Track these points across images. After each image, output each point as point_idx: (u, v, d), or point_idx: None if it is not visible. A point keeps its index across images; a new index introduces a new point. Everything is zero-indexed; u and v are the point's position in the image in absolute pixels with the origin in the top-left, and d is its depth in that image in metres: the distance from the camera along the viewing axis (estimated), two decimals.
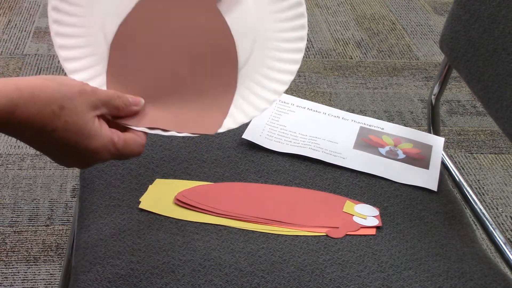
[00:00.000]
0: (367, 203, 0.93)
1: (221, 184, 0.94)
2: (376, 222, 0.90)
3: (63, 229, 1.62)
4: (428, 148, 1.05)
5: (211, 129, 0.75)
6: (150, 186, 0.93)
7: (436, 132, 1.18)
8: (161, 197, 0.91)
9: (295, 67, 0.79)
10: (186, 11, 0.79)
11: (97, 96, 0.69)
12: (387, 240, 0.88)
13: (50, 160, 1.83)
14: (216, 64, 0.78)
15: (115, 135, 0.70)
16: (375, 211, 0.92)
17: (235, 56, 0.79)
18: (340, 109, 2.11)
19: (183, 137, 1.00)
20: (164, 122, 0.75)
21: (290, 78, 0.78)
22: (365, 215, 0.91)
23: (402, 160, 1.02)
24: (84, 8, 0.78)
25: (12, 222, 1.63)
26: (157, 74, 0.77)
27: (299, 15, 0.81)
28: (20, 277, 1.49)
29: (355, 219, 0.90)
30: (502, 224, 1.75)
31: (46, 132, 0.64)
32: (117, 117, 0.72)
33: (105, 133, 0.68)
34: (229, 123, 0.76)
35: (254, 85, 0.79)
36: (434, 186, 0.99)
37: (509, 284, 0.86)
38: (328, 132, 1.06)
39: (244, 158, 0.99)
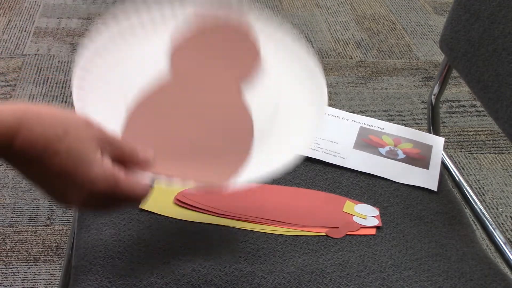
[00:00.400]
0: (367, 203, 0.93)
1: None
2: (376, 222, 0.90)
3: (63, 229, 1.62)
4: (428, 148, 1.05)
5: (218, 181, 0.75)
6: None
7: (436, 132, 1.18)
8: (161, 197, 0.91)
9: (311, 138, 0.79)
10: (208, 85, 0.81)
11: (103, 132, 0.68)
12: (387, 240, 0.88)
13: None
14: (232, 132, 0.79)
15: (117, 169, 0.67)
16: (375, 211, 0.92)
17: (251, 127, 0.80)
18: (340, 109, 2.11)
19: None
20: (171, 172, 0.74)
21: (306, 144, 0.80)
22: (365, 215, 0.91)
23: (402, 160, 1.02)
24: (106, 77, 0.81)
25: (12, 222, 1.63)
26: (171, 137, 0.77)
27: (321, 94, 0.83)
28: (20, 277, 1.49)
29: (355, 219, 0.90)
30: (502, 224, 1.75)
31: (48, 155, 0.63)
32: (120, 161, 0.70)
33: (106, 164, 0.66)
34: (238, 180, 0.76)
35: (269, 152, 0.79)
36: (434, 186, 0.99)
37: (509, 284, 0.86)
38: (328, 132, 1.06)
39: None
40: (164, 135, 0.77)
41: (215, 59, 0.83)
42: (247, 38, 0.85)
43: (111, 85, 0.81)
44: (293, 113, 0.83)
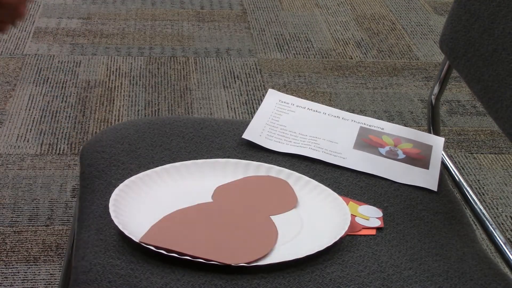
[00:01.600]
0: (367, 203, 0.93)
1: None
2: (378, 223, 0.90)
3: (63, 229, 1.62)
4: (428, 148, 1.05)
5: (222, 259, 0.79)
6: None
7: (436, 132, 1.18)
8: None
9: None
10: (240, 210, 0.88)
11: None
12: (387, 240, 0.88)
13: (50, 160, 1.83)
14: (254, 240, 0.84)
15: None
16: (379, 213, 0.92)
17: (275, 239, 0.84)
18: (340, 109, 2.11)
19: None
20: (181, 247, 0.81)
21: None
22: (368, 217, 0.91)
23: (402, 160, 1.02)
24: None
25: (12, 222, 1.63)
26: (196, 236, 0.83)
27: (344, 213, 0.89)
28: (20, 277, 1.49)
29: (357, 219, 0.90)
30: (502, 224, 1.76)
31: None
32: None
33: None
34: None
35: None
36: (434, 186, 0.99)
37: (509, 284, 0.86)
38: (328, 132, 1.06)
39: (244, 158, 0.99)
40: (187, 230, 0.83)
41: (252, 196, 0.91)
42: (284, 187, 0.93)
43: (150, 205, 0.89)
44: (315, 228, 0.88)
